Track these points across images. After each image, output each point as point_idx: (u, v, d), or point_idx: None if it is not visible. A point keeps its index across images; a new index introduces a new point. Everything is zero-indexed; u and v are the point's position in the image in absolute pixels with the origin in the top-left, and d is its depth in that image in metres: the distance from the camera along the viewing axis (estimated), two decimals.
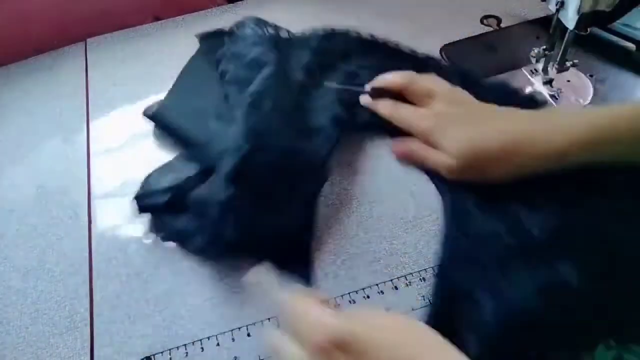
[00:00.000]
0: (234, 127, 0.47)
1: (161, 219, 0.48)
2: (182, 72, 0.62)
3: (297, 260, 0.44)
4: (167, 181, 0.48)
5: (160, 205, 0.47)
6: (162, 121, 0.56)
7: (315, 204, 0.48)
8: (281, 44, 0.60)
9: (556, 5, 0.50)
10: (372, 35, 0.61)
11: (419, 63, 0.58)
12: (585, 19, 0.48)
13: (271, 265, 0.39)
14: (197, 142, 0.52)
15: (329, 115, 0.52)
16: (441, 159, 0.46)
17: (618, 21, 0.59)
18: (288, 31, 0.63)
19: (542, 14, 0.66)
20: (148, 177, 0.50)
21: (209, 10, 0.75)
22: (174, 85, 0.60)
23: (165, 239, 0.47)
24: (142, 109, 0.58)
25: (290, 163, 0.47)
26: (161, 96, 0.61)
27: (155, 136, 0.57)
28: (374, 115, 0.51)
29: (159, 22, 0.74)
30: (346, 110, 0.53)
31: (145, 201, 0.48)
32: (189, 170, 0.48)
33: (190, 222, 0.45)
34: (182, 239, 0.46)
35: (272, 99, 0.50)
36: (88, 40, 0.72)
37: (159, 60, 0.67)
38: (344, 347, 0.28)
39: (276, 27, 0.63)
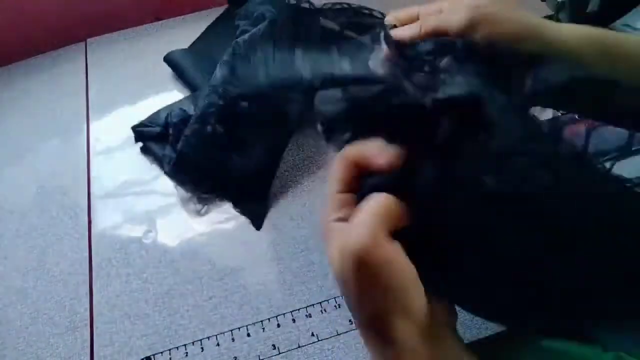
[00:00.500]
0: (217, 71, 0.52)
1: (148, 146, 0.55)
2: (208, 27, 0.68)
3: (251, 200, 0.49)
4: (164, 117, 0.54)
5: (152, 135, 0.54)
6: (177, 67, 0.63)
7: (279, 153, 0.52)
8: (298, 11, 0.63)
9: (556, 5, 0.50)
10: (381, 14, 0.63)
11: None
12: (585, 20, 0.48)
13: (228, 198, 0.47)
14: (201, 87, 0.58)
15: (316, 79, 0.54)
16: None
17: (618, 21, 0.59)
18: (309, 2, 0.65)
19: (542, 14, 0.66)
20: (156, 112, 0.56)
21: (209, 10, 0.75)
22: (198, 38, 0.67)
23: (152, 161, 0.55)
24: (143, 109, 0.58)
25: (262, 111, 0.51)
26: (161, 96, 0.62)
27: (173, 79, 0.64)
28: None
29: (159, 22, 0.74)
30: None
31: (140, 131, 0.55)
32: (190, 110, 0.54)
33: (169, 151, 0.52)
34: (161, 163, 0.53)
35: (257, 50, 0.52)
36: (88, 40, 0.72)
37: (159, 60, 0.67)
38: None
39: None
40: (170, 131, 0.52)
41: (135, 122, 0.58)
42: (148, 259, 0.47)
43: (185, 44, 0.66)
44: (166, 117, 0.53)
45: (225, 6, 0.75)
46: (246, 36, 0.53)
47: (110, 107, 0.62)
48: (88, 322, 0.43)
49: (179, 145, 0.49)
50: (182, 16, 0.74)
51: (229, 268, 0.45)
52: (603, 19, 0.55)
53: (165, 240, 0.48)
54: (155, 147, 0.55)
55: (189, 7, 0.75)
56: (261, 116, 0.51)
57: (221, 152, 0.50)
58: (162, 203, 0.51)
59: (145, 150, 0.56)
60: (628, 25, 0.59)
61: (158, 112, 0.57)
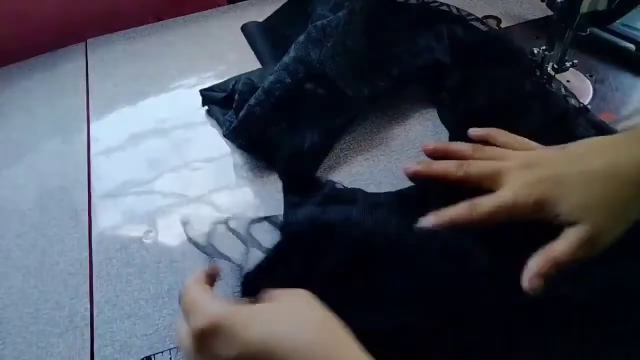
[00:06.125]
0: (291, 50, 0.53)
1: (212, 109, 0.59)
2: (282, 6, 0.70)
3: (294, 177, 0.50)
4: (231, 85, 0.57)
5: (217, 99, 0.58)
6: (250, 38, 0.68)
7: (333, 138, 0.54)
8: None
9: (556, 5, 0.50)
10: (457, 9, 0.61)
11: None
12: (585, 19, 0.48)
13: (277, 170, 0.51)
14: (268, 62, 0.61)
15: (383, 75, 0.55)
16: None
17: (618, 21, 0.59)
18: None
19: (542, 14, 0.66)
20: (224, 81, 0.60)
21: (209, 10, 0.75)
22: (271, 15, 0.69)
23: (216, 122, 0.58)
24: (143, 109, 0.58)
25: (326, 95, 0.52)
26: (161, 96, 0.62)
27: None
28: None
29: (159, 22, 0.74)
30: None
31: (207, 94, 0.59)
32: (257, 81, 0.55)
33: (230, 116, 0.55)
34: (221, 125, 0.56)
35: (333, 37, 0.53)
36: (88, 40, 0.72)
37: (159, 60, 0.67)
38: (217, 332, 0.29)
39: None
40: (236, 97, 0.54)
41: (136, 122, 0.59)
42: (148, 259, 0.47)
43: (186, 45, 0.66)
44: (233, 85, 0.56)
45: (225, 6, 0.76)
46: (325, 21, 0.54)
47: (110, 107, 0.62)
48: (88, 322, 0.43)
49: (242, 113, 0.51)
50: (182, 16, 0.74)
51: (229, 268, 0.45)
52: (603, 18, 0.55)
53: (165, 240, 0.48)
54: (217, 111, 0.58)
55: (189, 8, 0.75)
56: (324, 100, 0.52)
57: (279, 126, 0.51)
58: (162, 203, 0.51)
59: (209, 113, 0.59)
60: (628, 25, 0.59)
61: (227, 80, 0.60)
